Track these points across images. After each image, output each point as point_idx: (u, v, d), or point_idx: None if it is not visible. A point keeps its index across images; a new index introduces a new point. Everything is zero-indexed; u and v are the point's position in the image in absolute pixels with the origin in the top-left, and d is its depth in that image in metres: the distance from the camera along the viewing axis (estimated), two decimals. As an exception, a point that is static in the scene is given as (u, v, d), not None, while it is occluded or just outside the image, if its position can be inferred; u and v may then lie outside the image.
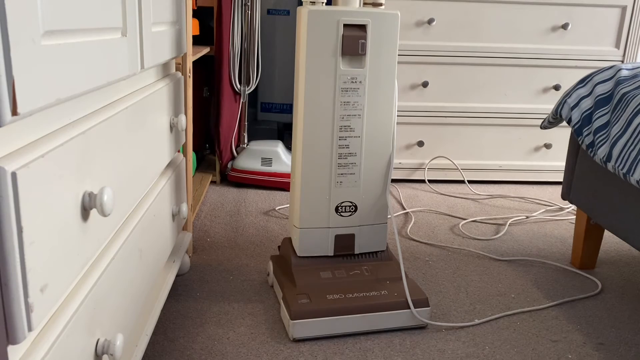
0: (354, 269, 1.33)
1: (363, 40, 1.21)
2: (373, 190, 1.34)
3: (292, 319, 1.19)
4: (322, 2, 1.24)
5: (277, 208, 1.99)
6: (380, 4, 1.30)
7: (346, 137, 1.27)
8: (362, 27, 1.22)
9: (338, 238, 1.34)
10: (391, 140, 1.32)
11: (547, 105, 2.34)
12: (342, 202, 1.32)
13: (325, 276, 1.30)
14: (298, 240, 1.33)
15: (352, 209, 1.33)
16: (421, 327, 1.27)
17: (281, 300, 1.28)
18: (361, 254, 1.37)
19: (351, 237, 1.35)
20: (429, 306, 1.26)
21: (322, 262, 1.34)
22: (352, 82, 1.24)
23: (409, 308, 1.24)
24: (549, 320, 1.33)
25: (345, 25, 1.21)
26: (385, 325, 1.24)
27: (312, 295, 1.24)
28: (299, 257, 1.33)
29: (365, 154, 1.30)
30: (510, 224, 1.94)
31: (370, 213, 1.35)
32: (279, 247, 1.47)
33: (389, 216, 1.91)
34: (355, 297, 1.24)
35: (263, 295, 1.39)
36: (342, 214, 1.32)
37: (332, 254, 1.35)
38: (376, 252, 1.38)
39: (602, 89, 1.43)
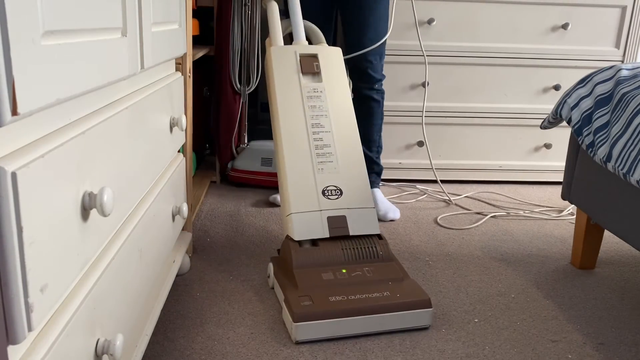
0: (356, 270, 1.33)
1: (316, 62, 1.59)
2: (353, 176, 1.50)
3: (295, 322, 1.18)
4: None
5: (276, 208, 1.98)
6: (323, 43, 1.71)
7: (319, 132, 1.52)
8: (314, 56, 1.60)
9: (331, 220, 1.40)
10: (356, 133, 1.56)
11: (547, 105, 2.34)
12: (328, 186, 1.46)
13: (327, 277, 1.30)
14: (292, 225, 1.37)
15: (337, 192, 1.45)
16: (423, 328, 1.27)
17: (283, 303, 1.28)
18: (361, 255, 1.37)
19: (343, 218, 1.41)
20: (431, 307, 1.26)
21: (322, 259, 1.34)
22: (314, 91, 1.57)
23: (412, 309, 1.24)
24: (549, 320, 1.33)
25: (301, 55, 1.59)
26: (389, 326, 1.24)
27: (315, 297, 1.24)
28: (299, 257, 1.33)
29: (337, 145, 1.52)
30: (510, 224, 1.94)
31: (355, 197, 1.46)
32: (278, 250, 1.47)
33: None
34: (358, 298, 1.24)
35: (263, 296, 1.39)
36: (329, 197, 1.44)
37: (328, 236, 1.38)
38: (377, 254, 1.38)
39: (602, 89, 1.43)
